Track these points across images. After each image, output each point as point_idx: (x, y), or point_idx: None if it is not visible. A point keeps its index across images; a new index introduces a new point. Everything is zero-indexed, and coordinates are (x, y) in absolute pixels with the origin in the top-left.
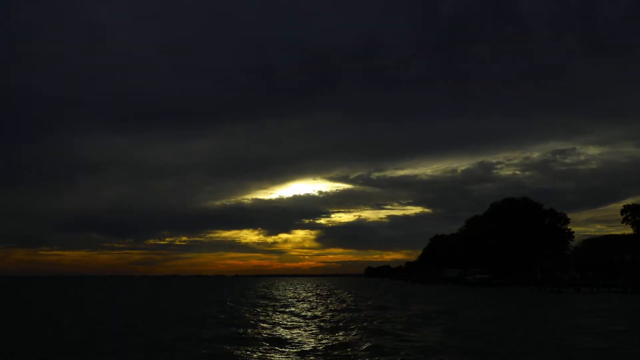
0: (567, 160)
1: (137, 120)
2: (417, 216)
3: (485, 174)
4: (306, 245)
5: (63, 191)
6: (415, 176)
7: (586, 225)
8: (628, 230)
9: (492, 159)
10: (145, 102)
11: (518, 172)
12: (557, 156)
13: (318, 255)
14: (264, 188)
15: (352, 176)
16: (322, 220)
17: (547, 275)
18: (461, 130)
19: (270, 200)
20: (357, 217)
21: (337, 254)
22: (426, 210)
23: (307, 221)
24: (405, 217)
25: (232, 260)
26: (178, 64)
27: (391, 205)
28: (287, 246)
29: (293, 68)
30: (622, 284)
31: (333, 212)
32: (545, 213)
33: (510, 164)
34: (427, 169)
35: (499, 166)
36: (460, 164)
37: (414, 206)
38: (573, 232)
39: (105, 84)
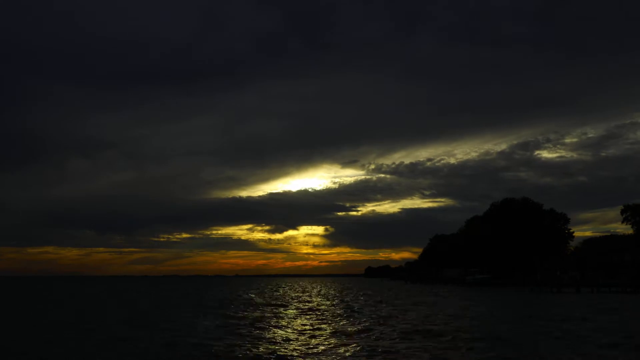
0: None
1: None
2: (441, 209)
3: (526, 156)
4: (314, 242)
5: (49, 179)
6: (439, 160)
7: None
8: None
9: (535, 137)
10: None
11: (565, 154)
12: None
13: (325, 254)
14: (271, 178)
15: (366, 163)
16: (333, 215)
17: (547, 275)
18: (497, 99)
19: (278, 194)
20: (371, 211)
21: (344, 253)
22: (450, 202)
23: (315, 216)
24: (427, 210)
25: (234, 259)
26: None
27: (411, 197)
28: (293, 244)
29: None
30: (622, 284)
31: (345, 206)
32: (545, 213)
33: (558, 142)
34: (455, 151)
35: (545, 145)
36: (495, 144)
37: (437, 198)
38: (573, 232)
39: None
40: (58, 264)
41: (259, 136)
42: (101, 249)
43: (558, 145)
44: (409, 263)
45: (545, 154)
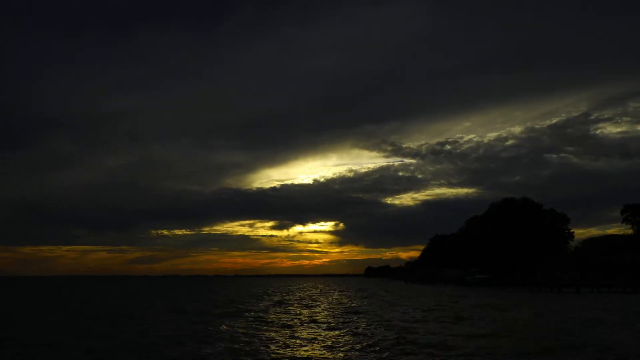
0: None
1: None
2: (468, 199)
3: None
4: (317, 239)
5: (36, 168)
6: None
7: None
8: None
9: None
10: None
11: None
12: None
13: (327, 252)
14: (276, 167)
15: (385, 147)
16: (342, 212)
17: (547, 275)
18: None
19: (285, 186)
20: (390, 202)
21: (351, 252)
22: (478, 190)
23: (322, 212)
24: (453, 202)
25: (234, 259)
26: None
27: (434, 186)
28: (296, 242)
29: None
30: (622, 284)
31: (356, 198)
32: (546, 213)
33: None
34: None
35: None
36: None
37: (463, 188)
38: (573, 232)
39: None
40: (55, 264)
41: (256, 114)
42: (93, 247)
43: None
44: (409, 263)
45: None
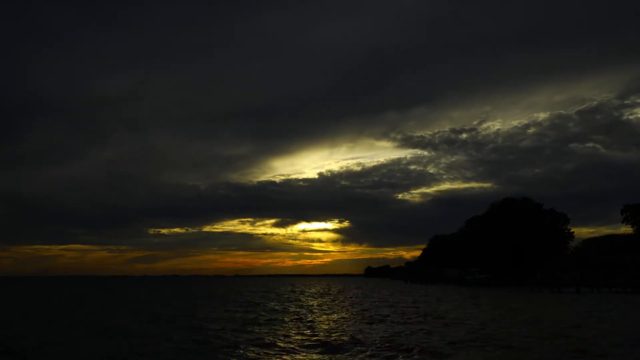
0: None
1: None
2: (482, 195)
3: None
4: (320, 238)
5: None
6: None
7: None
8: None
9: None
10: None
11: None
12: None
13: (331, 252)
14: (279, 159)
15: (394, 135)
16: (347, 209)
17: (547, 275)
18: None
19: (288, 180)
20: (399, 198)
21: (356, 252)
22: (494, 185)
23: (326, 209)
24: (465, 199)
25: (237, 258)
26: None
27: (447, 180)
28: (300, 241)
29: None
30: (622, 284)
31: (363, 194)
32: (546, 213)
33: None
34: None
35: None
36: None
37: (478, 182)
38: (573, 232)
39: None
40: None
41: (261, 100)
42: (86, 246)
43: None
44: (409, 263)
45: None
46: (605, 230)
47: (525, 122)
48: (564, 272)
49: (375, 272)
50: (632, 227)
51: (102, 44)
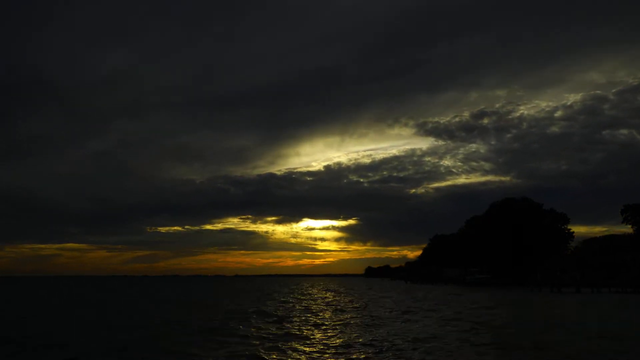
0: None
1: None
2: (499, 190)
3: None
4: (323, 237)
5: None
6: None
7: None
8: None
9: None
10: None
11: None
12: None
13: (333, 252)
14: (283, 149)
15: (406, 121)
16: (353, 205)
17: (547, 275)
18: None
19: (292, 173)
20: (412, 193)
21: (360, 251)
22: (513, 180)
23: (332, 206)
24: (481, 193)
25: (237, 258)
26: None
27: (463, 173)
28: (303, 240)
29: None
30: (622, 284)
31: (372, 189)
32: (546, 213)
33: None
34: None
35: None
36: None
37: (497, 175)
38: (573, 232)
39: None
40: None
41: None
42: (84, 245)
43: None
44: (409, 263)
45: None
46: (616, 230)
47: (553, 104)
48: (564, 272)
49: (376, 272)
50: (632, 227)
51: (95, 20)
